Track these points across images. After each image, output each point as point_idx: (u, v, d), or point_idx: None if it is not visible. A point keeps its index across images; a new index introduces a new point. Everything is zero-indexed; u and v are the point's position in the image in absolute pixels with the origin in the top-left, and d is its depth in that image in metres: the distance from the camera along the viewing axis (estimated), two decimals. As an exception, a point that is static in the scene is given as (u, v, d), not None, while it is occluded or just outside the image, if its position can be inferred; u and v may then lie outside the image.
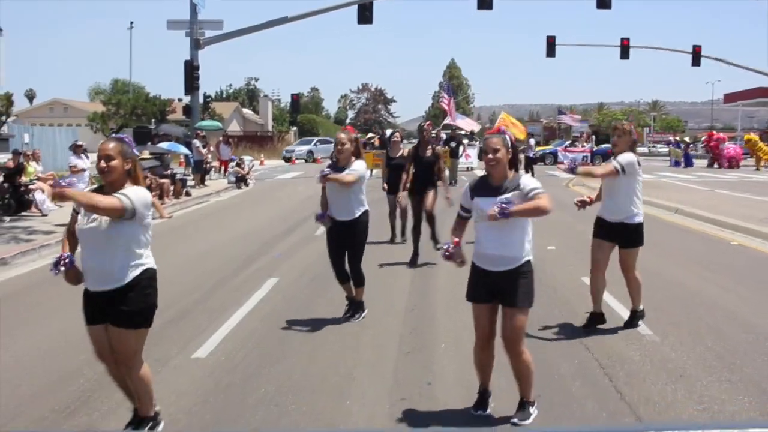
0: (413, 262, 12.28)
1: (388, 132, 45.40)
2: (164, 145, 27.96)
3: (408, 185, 13.09)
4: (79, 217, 5.24)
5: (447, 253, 5.87)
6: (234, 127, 77.13)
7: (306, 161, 54.33)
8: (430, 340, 7.97)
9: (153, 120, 42.99)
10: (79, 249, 5.40)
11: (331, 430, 5.74)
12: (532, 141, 35.73)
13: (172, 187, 23.12)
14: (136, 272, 5.19)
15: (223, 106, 75.51)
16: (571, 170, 8.07)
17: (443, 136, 34.87)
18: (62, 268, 5.29)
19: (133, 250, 5.18)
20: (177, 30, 35.10)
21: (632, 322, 8.37)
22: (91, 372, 6.62)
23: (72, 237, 5.41)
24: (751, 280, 11.21)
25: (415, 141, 13.58)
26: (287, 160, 54.85)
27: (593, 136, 55.50)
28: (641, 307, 8.41)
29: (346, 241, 8.75)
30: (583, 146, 50.85)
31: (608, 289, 8.57)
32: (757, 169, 42.50)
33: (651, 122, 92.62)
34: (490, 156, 5.66)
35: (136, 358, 5.30)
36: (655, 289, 10.31)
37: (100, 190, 5.32)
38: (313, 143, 59.47)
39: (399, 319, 8.89)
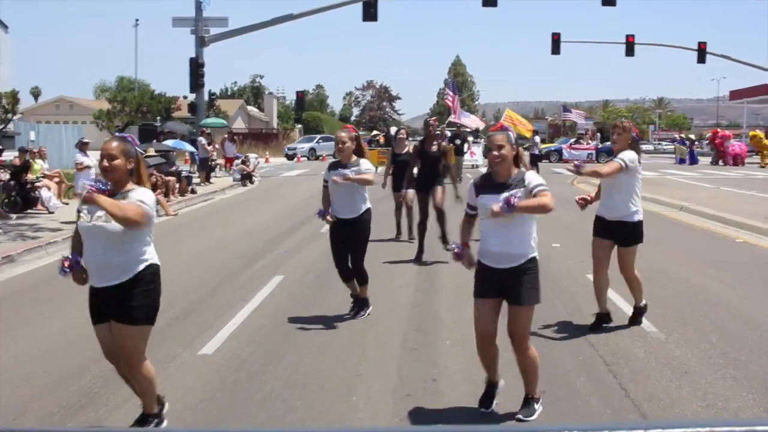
0: (418, 259, 12.30)
1: (393, 129, 45.49)
2: (170, 142, 28.06)
3: (411, 182, 13.11)
4: (82, 214, 5.26)
5: (456, 255, 5.91)
6: (239, 125, 77.16)
7: (308, 159, 54.30)
8: (434, 337, 8.00)
9: (158, 117, 43.03)
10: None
11: (335, 427, 5.77)
12: (537, 138, 35.69)
13: (177, 185, 23.18)
14: (140, 267, 5.22)
15: (228, 104, 75.62)
16: (577, 170, 8.06)
17: (447, 133, 34.88)
18: (68, 270, 5.32)
19: (136, 247, 5.21)
20: (182, 27, 35.22)
21: (636, 318, 8.38)
22: (97, 369, 6.66)
23: (79, 237, 5.44)
24: (755, 277, 11.22)
25: (419, 138, 13.58)
26: (290, 157, 54.85)
27: (598, 134, 55.48)
28: (643, 302, 8.41)
29: (349, 238, 8.77)
30: (587, 143, 50.90)
31: (612, 286, 8.58)
32: (762, 167, 42.42)
33: (656, 119, 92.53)
34: (495, 153, 5.67)
35: (139, 356, 5.32)
36: (660, 286, 10.34)
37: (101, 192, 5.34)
38: (315, 140, 59.45)
39: (404, 316, 8.92)
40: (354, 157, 8.66)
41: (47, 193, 19.47)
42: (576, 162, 8.16)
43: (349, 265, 8.86)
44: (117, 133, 5.94)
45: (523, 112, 75.24)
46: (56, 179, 21.38)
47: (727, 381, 6.55)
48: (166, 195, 21.31)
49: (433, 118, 14.81)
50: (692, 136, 54.11)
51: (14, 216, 17.80)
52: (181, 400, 6.13)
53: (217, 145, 32.03)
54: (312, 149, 56.91)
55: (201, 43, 34.54)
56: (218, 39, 35.73)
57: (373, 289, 9.14)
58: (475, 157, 37.53)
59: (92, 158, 18.67)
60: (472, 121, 41.86)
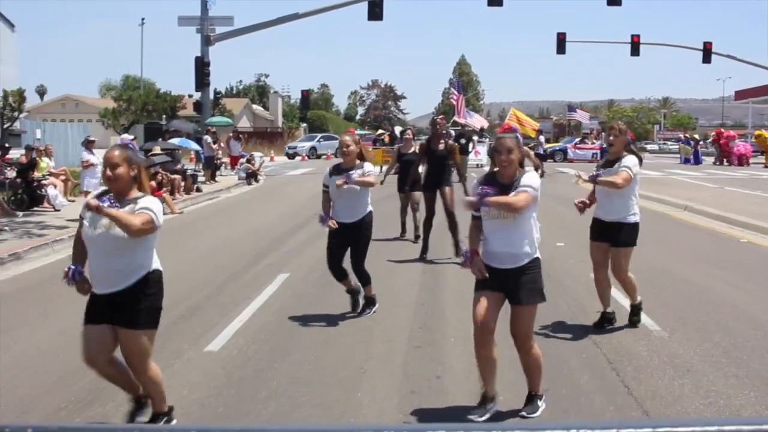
0: (423, 256, 12.33)
1: (397, 129, 45.49)
2: (175, 141, 28.11)
3: (416, 182, 13.12)
4: (86, 222, 5.29)
5: (465, 263, 5.91)
6: (244, 124, 77.27)
7: (308, 158, 54.30)
8: (439, 335, 8.05)
9: (164, 116, 43.09)
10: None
11: (340, 424, 5.81)
12: (542, 138, 35.71)
13: (183, 183, 23.26)
14: (142, 273, 5.26)
15: (233, 103, 75.65)
16: (593, 180, 8.06)
17: (452, 132, 34.91)
18: (71, 283, 5.38)
19: (140, 254, 5.25)
20: (188, 26, 35.27)
21: (633, 317, 8.31)
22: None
23: (81, 245, 5.48)
24: (760, 277, 11.24)
25: (424, 138, 13.57)
26: (290, 156, 54.90)
27: (603, 133, 55.45)
28: (639, 299, 8.36)
29: (349, 242, 8.80)
30: (592, 143, 50.90)
31: (616, 286, 8.60)
32: (767, 166, 42.38)
33: (661, 119, 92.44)
34: (504, 157, 5.70)
35: (145, 359, 5.36)
36: (664, 285, 10.39)
37: (105, 195, 5.38)
38: (316, 139, 59.48)
39: (409, 314, 8.97)
40: (357, 161, 8.71)
41: (53, 191, 19.56)
42: (593, 173, 8.12)
43: (342, 265, 8.88)
44: (118, 141, 5.98)
45: (528, 112, 75.22)
46: (62, 177, 21.46)
47: (729, 379, 6.59)
48: (172, 193, 21.38)
49: (441, 116, 14.84)
50: (697, 136, 54.10)
51: (21, 213, 17.88)
52: (187, 396, 6.20)
53: (222, 144, 32.10)
54: (313, 148, 56.91)
55: (206, 42, 34.61)
56: (224, 38, 35.80)
57: (377, 287, 9.19)
58: (479, 157, 37.52)
59: (98, 156, 18.76)
60: (476, 121, 41.90)
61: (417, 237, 13.71)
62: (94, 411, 5.94)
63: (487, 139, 42.57)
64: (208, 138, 29.57)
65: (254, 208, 21.82)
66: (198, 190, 24.72)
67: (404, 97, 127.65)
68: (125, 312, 5.22)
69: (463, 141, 31.43)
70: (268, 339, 7.92)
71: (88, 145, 18.81)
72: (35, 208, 19.09)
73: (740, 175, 35.32)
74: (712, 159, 48.08)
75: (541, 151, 33.80)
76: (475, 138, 36.85)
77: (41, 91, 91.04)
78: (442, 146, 12.68)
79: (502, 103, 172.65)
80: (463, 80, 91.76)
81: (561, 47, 42.73)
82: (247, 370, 6.89)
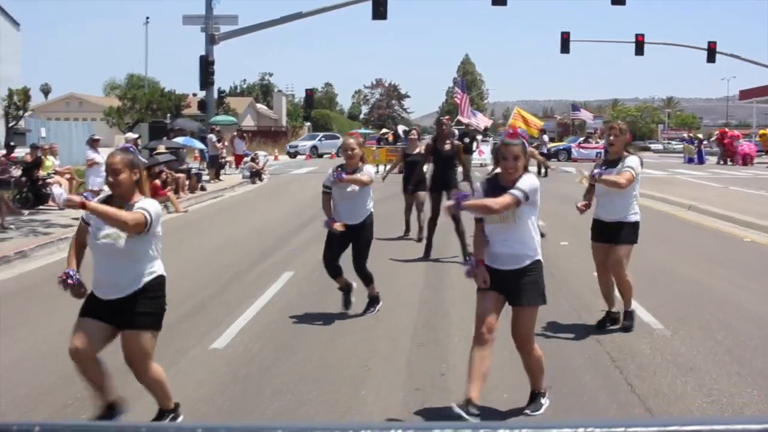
0: (427, 255, 12.35)
1: (401, 128, 45.51)
2: (180, 139, 28.16)
3: (421, 182, 13.12)
4: (91, 230, 5.31)
5: (469, 272, 5.85)
6: (248, 122, 77.31)
7: (312, 157, 54.28)
8: (443, 334, 8.08)
9: (168, 115, 43.18)
10: (85, 258, 5.52)
11: (345, 421, 5.84)
12: (545, 137, 35.71)
13: (187, 182, 23.31)
14: (146, 280, 5.29)
15: (237, 101, 75.72)
16: (594, 179, 7.99)
17: (455, 132, 34.90)
18: (67, 288, 5.39)
19: (144, 261, 5.28)
20: (192, 25, 35.31)
21: (625, 322, 8.18)
22: (110, 363, 6.73)
23: (80, 247, 5.52)
24: (763, 276, 11.27)
25: (428, 137, 13.58)
26: (292, 155, 54.96)
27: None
28: (632, 307, 8.28)
29: (349, 242, 8.82)
30: (596, 142, 50.86)
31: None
32: (771, 166, 42.36)
33: (665, 119, 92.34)
34: (510, 163, 5.70)
35: (146, 361, 5.39)
36: (667, 284, 10.42)
37: (109, 200, 5.40)
38: (317, 138, 59.51)
39: (412, 312, 9.00)
40: (360, 164, 8.75)
41: (58, 190, 19.29)
42: (594, 171, 8.07)
43: (338, 263, 8.88)
44: (122, 143, 6.00)
45: (532, 111, 75.11)
46: (67, 176, 21.50)
47: (732, 377, 6.62)
48: (176, 192, 21.42)
49: (446, 117, 14.85)
50: (700, 136, 54.06)
51: (26, 212, 17.94)
52: (193, 393, 6.24)
53: (226, 143, 32.14)
54: (314, 147, 56.94)
55: (211, 40, 34.65)
56: (228, 37, 35.84)
57: (381, 286, 9.22)
58: (483, 156, 37.52)
59: (103, 155, 18.82)
60: (480, 120, 41.88)
61: (420, 239, 13.62)
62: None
63: (491, 139, 42.55)
64: (212, 137, 29.61)
65: (258, 206, 21.87)
66: (202, 188, 24.77)
67: (408, 96, 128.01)
68: (129, 315, 5.25)
69: (466, 140, 31.49)
70: (273, 337, 7.96)
71: (93, 143, 18.85)
72: (40, 207, 19.15)
73: (744, 174, 35.31)
74: (715, 158, 48.07)
75: (545, 150, 33.82)
76: (479, 137, 36.85)
77: (45, 90, 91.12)
78: (448, 146, 12.65)
79: (506, 102, 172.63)
80: (467, 79, 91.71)
81: (565, 46, 42.68)
82: (252, 367, 6.94)
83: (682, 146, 56.10)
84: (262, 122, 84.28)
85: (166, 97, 46.21)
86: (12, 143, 22.13)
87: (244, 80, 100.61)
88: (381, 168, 33.26)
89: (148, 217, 5.16)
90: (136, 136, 24.16)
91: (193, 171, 25.28)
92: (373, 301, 9.01)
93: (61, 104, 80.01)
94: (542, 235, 13.80)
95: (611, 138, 8.18)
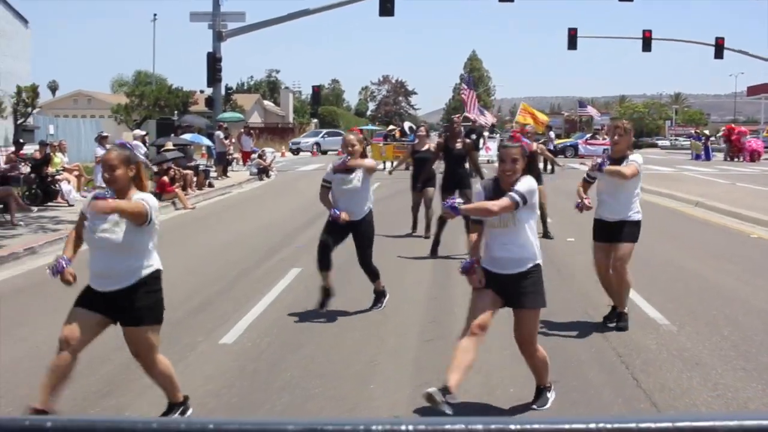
0: (434, 252, 12.38)
1: (406, 124, 45.48)
2: (187, 136, 28.24)
3: (431, 179, 13.14)
4: (86, 224, 5.36)
5: (466, 269, 5.82)
6: (255, 119, 77.43)
7: (320, 153, 54.33)
8: (449, 329, 8.10)
9: (176, 112, 43.28)
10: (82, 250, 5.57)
11: (358, 419, 5.88)
12: (551, 134, 35.69)
13: (195, 179, 23.38)
14: (143, 273, 5.32)
15: (244, 98, 75.81)
16: (599, 168, 7.96)
17: (461, 129, 34.90)
18: (56, 275, 5.41)
19: (141, 255, 5.31)
20: (200, 22, 35.37)
21: (620, 323, 8.11)
22: (119, 358, 6.81)
23: (78, 238, 5.56)
24: (769, 273, 11.27)
25: (435, 133, 13.61)
26: (294, 152, 55.03)
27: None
28: (626, 309, 8.22)
29: (346, 235, 8.86)
30: (603, 139, 50.75)
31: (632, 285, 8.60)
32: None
33: (673, 115, 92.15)
34: (508, 167, 5.72)
35: (153, 354, 5.44)
36: (674, 280, 10.44)
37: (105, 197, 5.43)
38: (320, 135, 59.55)
39: (420, 308, 9.05)
40: (360, 159, 8.79)
41: (67, 186, 19.71)
42: (598, 161, 8.06)
43: (331, 257, 8.88)
44: (117, 141, 6.01)
45: (539, 107, 75.07)
46: (76, 172, 21.61)
47: (738, 372, 6.66)
48: (184, 189, 21.49)
49: (457, 115, 14.87)
50: (707, 132, 53.94)
51: (35, 208, 18.03)
52: (202, 387, 6.30)
53: (234, 140, 32.21)
54: (317, 144, 56.96)
55: (218, 37, 34.70)
56: (235, 34, 35.88)
57: (388, 282, 9.27)
58: (490, 153, 37.49)
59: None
60: (486, 119, 41.87)
61: (428, 236, 13.65)
62: (109, 403, 6.04)
63: (498, 135, 42.54)
64: (220, 133, 29.68)
65: (266, 203, 21.93)
66: (210, 185, 24.85)
67: (415, 93, 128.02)
68: (128, 311, 5.30)
69: (473, 137, 31.53)
70: (281, 333, 8.02)
71: (102, 140, 18.97)
72: (49, 203, 19.25)
73: (752, 170, 35.25)
74: (722, 155, 47.97)
75: (551, 147, 33.79)
76: (486, 134, 36.87)
77: (53, 87, 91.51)
78: (459, 145, 12.67)
79: (513, 99, 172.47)
80: (474, 76, 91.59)
81: (572, 43, 42.57)
82: (260, 362, 6.99)
83: (689, 143, 55.98)
84: (269, 119, 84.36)
85: (173, 94, 46.32)
86: (21, 140, 22.24)
87: (251, 77, 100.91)
88: (388, 164, 33.35)
89: (148, 208, 5.20)
90: (143, 133, 24.30)
91: (201, 168, 25.36)
92: (380, 296, 9.05)
93: (69, 101, 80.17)
94: (550, 237, 13.95)
95: (616, 137, 8.13)
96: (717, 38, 43.04)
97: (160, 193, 20.35)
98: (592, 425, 1.16)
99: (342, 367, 6.86)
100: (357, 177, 8.69)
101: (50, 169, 19.86)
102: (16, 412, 5.84)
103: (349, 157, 8.63)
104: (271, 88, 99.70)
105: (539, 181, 14.19)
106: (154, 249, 5.46)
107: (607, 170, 7.90)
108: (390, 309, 8.94)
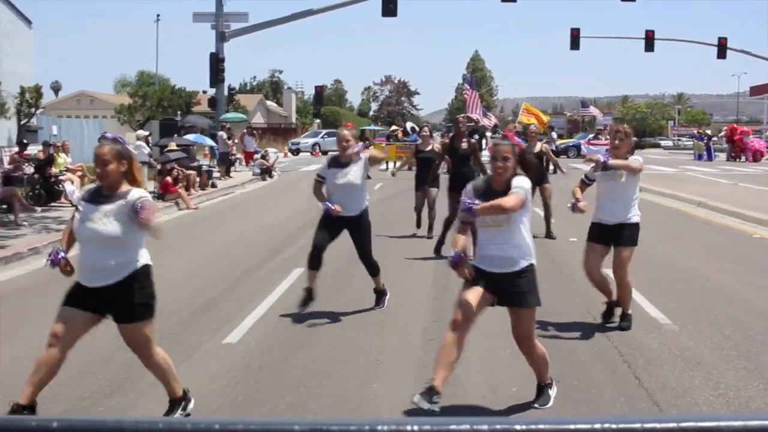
0: (438, 251, 12.37)
1: (408, 125, 45.49)
2: (190, 137, 28.30)
3: (436, 179, 13.15)
4: (77, 216, 5.38)
5: (455, 261, 5.75)
6: (258, 119, 77.48)
7: (311, 155, 54.30)
8: (453, 329, 8.14)
9: (179, 112, 43.33)
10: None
11: (365, 419, 5.91)
12: (554, 134, 35.70)
13: (198, 179, 23.43)
14: (132, 269, 5.31)
15: (247, 99, 75.87)
16: (603, 165, 7.89)
17: (466, 129, 34.92)
18: (55, 266, 5.45)
19: (130, 250, 5.31)
20: (203, 23, 35.42)
21: (623, 322, 8.14)
22: (123, 357, 6.84)
23: (73, 233, 5.58)
24: (771, 273, 11.29)
25: (438, 133, 13.64)
26: (294, 152, 55.06)
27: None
28: (630, 310, 8.22)
29: (340, 231, 8.85)
30: (606, 139, 50.75)
31: (636, 286, 8.57)
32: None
33: (676, 115, 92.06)
34: (500, 164, 5.73)
35: (149, 348, 5.46)
36: (676, 280, 10.47)
37: (97, 191, 5.44)
38: (320, 136, 59.62)
39: (423, 308, 9.08)
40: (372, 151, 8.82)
41: (70, 187, 19.75)
42: (602, 158, 7.93)
43: (322, 255, 8.85)
44: (107, 135, 6.02)
45: (542, 108, 75.15)
46: (79, 173, 21.65)
47: (739, 371, 6.69)
48: (187, 189, 21.54)
49: (462, 115, 14.89)
50: (709, 132, 53.91)
51: (39, 209, 18.09)
52: (207, 385, 6.34)
53: (236, 140, 32.26)
54: (316, 144, 56.99)
55: (221, 38, 34.75)
56: (239, 34, 35.94)
57: (392, 282, 9.30)
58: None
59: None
60: (488, 120, 41.88)
61: (431, 237, 13.69)
62: (117, 401, 6.08)
63: (501, 136, 42.58)
64: (223, 134, 29.73)
65: (269, 203, 21.97)
66: (213, 185, 24.89)
67: (418, 93, 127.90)
68: (120, 308, 5.31)
69: (476, 137, 31.56)
70: (285, 332, 8.06)
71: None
72: (53, 204, 19.30)
73: (754, 170, 35.25)
74: (724, 155, 47.96)
75: (554, 147, 33.78)
76: (488, 134, 36.89)
77: (56, 88, 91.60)
78: (465, 145, 12.70)
79: (516, 99, 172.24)
80: (477, 76, 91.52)
81: (575, 43, 42.58)
82: (264, 361, 7.03)
83: (692, 143, 55.96)
84: (272, 119, 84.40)
85: (176, 94, 46.34)
86: (24, 141, 22.29)
87: (254, 77, 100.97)
88: (391, 165, 33.38)
89: (155, 205, 5.25)
90: (147, 133, 24.35)
91: (204, 168, 25.40)
92: (381, 295, 9.06)
93: (72, 102, 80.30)
94: (553, 237, 13.98)
95: (616, 142, 8.06)
96: (720, 38, 43.05)
97: (164, 193, 20.41)
98: (597, 425, 1.16)
99: (345, 367, 6.89)
100: (352, 172, 8.68)
101: (53, 170, 19.92)
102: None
103: (362, 145, 8.62)
104: (273, 88, 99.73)
105: (545, 180, 14.26)
106: (143, 245, 5.46)
107: (613, 164, 7.83)
108: (393, 308, 8.98)
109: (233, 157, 31.29)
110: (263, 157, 31.41)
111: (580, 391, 6.23)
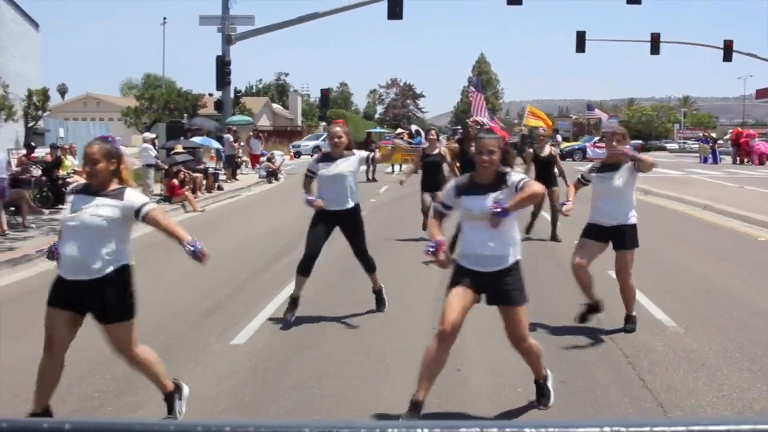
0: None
1: (413, 128, 45.48)
2: (197, 139, 28.38)
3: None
4: (66, 207, 5.40)
5: (435, 250, 5.70)
6: (264, 122, 77.61)
7: (311, 156, 54.40)
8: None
9: (185, 115, 43.41)
10: None
11: (370, 421, 5.95)
12: (558, 137, 35.70)
13: (204, 182, 23.51)
14: (114, 267, 5.29)
15: (253, 101, 76.01)
16: (633, 159, 7.75)
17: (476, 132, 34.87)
18: (54, 260, 5.46)
19: (114, 246, 5.29)
20: (209, 26, 35.54)
21: (627, 325, 8.15)
22: (119, 367, 6.89)
23: None
24: (777, 275, 11.32)
25: (444, 136, 13.68)
26: (296, 155, 55.19)
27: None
28: (634, 312, 8.24)
29: (332, 228, 8.81)
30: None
31: (639, 288, 8.59)
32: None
33: (682, 118, 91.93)
34: (485, 157, 5.73)
35: (131, 347, 5.46)
36: (681, 282, 10.50)
37: (86, 189, 5.45)
38: (321, 138, 59.74)
39: (428, 309, 9.10)
40: (345, 151, 8.80)
41: (78, 189, 19.80)
42: (630, 152, 7.79)
43: (314, 262, 8.81)
44: (98, 135, 6.06)
45: (548, 110, 75.07)
46: (86, 175, 21.72)
47: (743, 373, 6.72)
48: (194, 191, 21.63)
49: (471, 119, 14.92)
50: (714, 135, 53.83)
51: (47, 211, 18.17)
52: (215, 386, 6.39)
53: (242, 143, 32.33)
54: (317, 147, 57.10)
55: (227, 41, 34.89)
56: (244, 37, 36.08)
57: (398, 283, 9.36)
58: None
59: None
60: (494, 125, 41.82)
61: None
62: (125, 401, 6.14)
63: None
64: (229, 137, 29.81)
65: (274, 206, 22.03)
66: (219, 188, 24.97)
67: (423, 96, 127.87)
68: (102, 307, 5.32)
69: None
70: (291, 333, 8.11)
71: (112, 143, 19.00)
72: (60, 206, 19.35)
73: (760, 174, 35.21)
74: (730, 158, 47.89)
75: (558, 150, 33.78)
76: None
77: (62, 90, 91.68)
78: (474, 149, 12.70)
79: (521, 102, 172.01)
80: (482, 78, 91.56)
81: (580, 45, 42.61)
82: (272, 362, 7.08)
83: (697, 146, 55.87)
84: (278, 122, 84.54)
85: (183, 97, 46.42)
86: (32, 143, 22.38)
87: (260, 80, 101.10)
88: (396, 168, 33.40)
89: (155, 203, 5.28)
90: (153, 135, 24.40)
91: (210, 171, 25.48)
92: (379, 297, 9.10)
93: (79, 104, 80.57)
94: (558, 240, 14.02)
95: (614, 143, 7.98)
96: (726, 41, 43.03)
97: (170, 195, 20.49)
98: (606, 428, 1.16)
99: (352, 367, 6.94)
100: (342, 164, 8.65)
101: (61, 172, 20.00)
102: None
103: (344, 162, 8.62)
104: (279, 91, 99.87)
105: (554, 183, 14.26)
106: (128, 242, 5.46)
107: (638, 158, 7.73)
108: (399, 309, 9.02)
109: (239, 159, 31.38)
110: (269, 159, 31.49)
111: (586, 393, 6.27)
